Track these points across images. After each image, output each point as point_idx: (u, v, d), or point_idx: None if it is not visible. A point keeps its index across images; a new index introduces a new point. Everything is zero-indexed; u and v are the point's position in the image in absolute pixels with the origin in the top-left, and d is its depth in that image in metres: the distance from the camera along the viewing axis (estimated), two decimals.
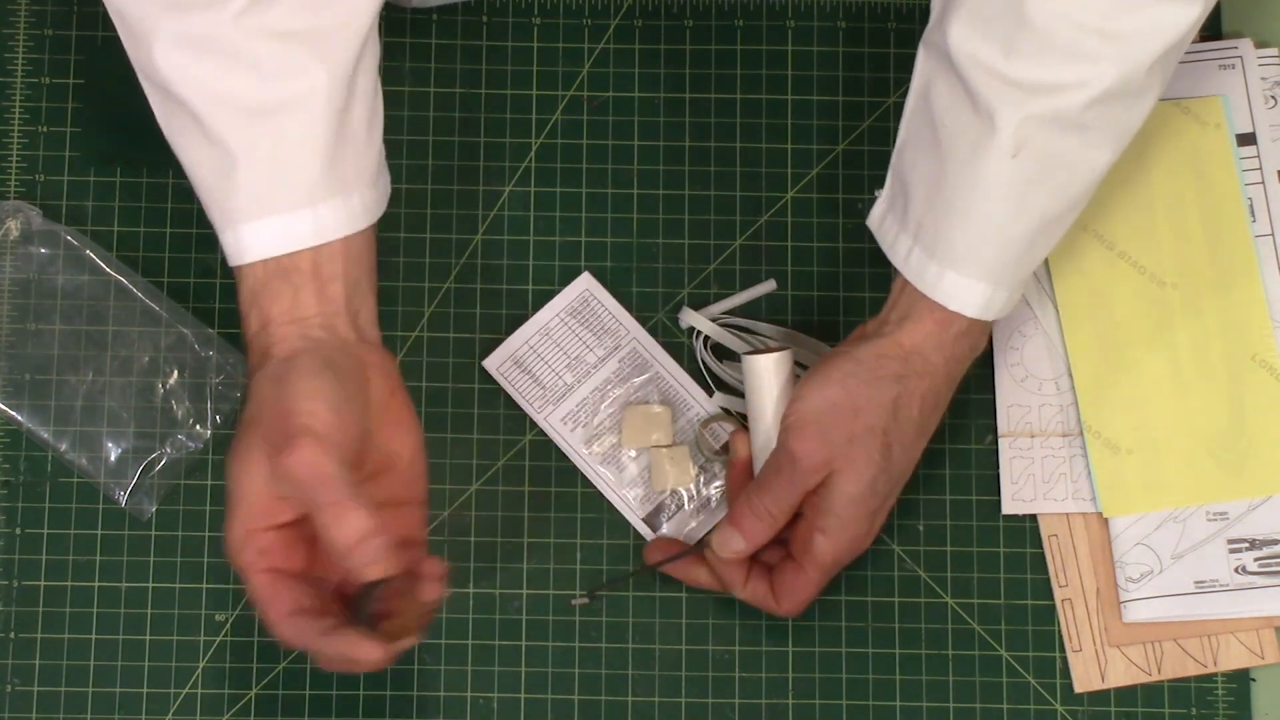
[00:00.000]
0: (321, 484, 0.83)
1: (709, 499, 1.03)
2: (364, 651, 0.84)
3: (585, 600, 1.02)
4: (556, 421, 1.03)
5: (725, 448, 1.03)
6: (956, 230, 0.90)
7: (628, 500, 1.03)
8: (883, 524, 0.96)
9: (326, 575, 0.88)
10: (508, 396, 1.04)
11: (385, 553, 0.83)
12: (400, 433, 0.89)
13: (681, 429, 1.04)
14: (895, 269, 0.94)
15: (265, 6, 0.85)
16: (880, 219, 0.95)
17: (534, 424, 1.04)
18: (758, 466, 0.97)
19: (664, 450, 1.03)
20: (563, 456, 1.04)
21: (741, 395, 1.03)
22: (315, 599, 0.86)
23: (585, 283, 1.05)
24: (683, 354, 1.05)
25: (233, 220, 0.87)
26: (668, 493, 1.03)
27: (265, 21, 0.85)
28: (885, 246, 0.94)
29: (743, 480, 0.99)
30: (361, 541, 0.83)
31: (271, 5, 0.85)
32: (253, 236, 0.87)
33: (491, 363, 1.04)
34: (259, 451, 0.84)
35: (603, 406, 1.04)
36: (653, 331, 1.05)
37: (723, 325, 1.04)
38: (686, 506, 1.03)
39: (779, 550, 0.97)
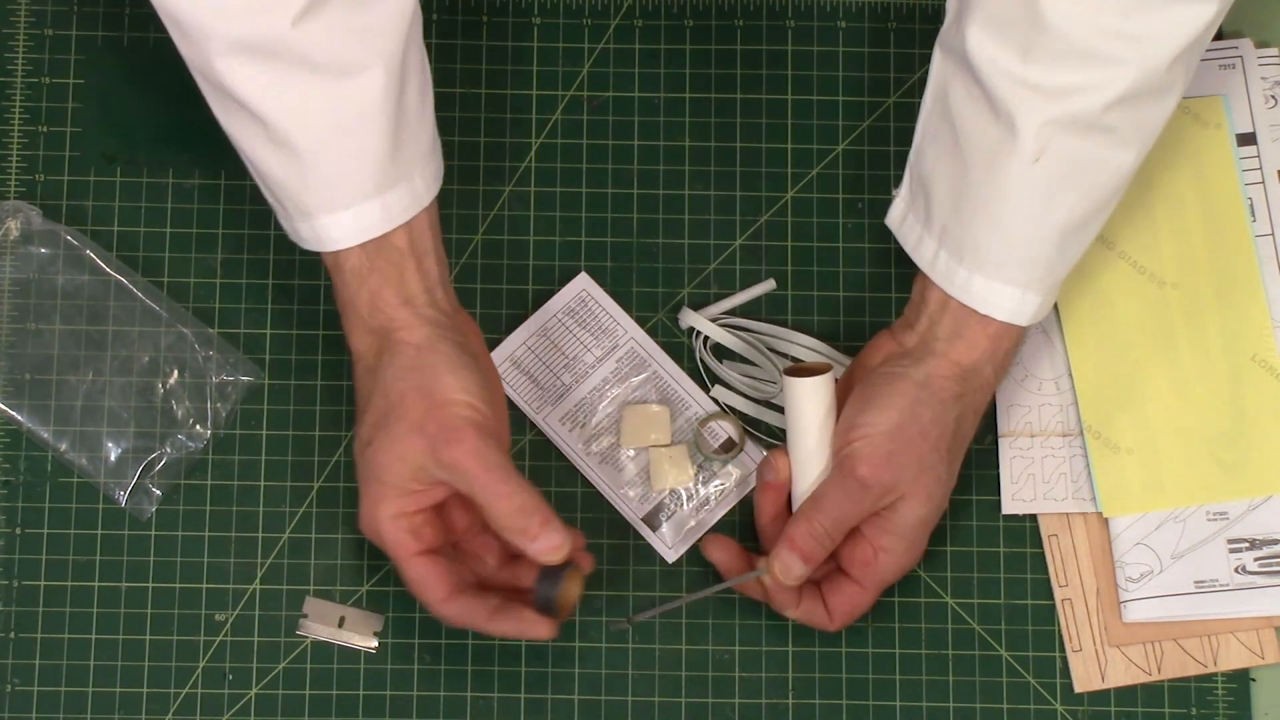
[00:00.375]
0: (488, 473, 0.88)
1: (708, 498, 1.03)
2: (541, 630, 0.91)
3: (625, 625, 1.01)
4: (555, 422, 1.03)
5: (725, 446, 1.03)
6: (983, 235, 0.90)
7: (627, 500, 1.03)
8: (930, 535, 0.96)
9: (472, 551, 0.94)
10: (507, 397, 1.04)
11: (565, 539, 0.89)
12: (500, 396, 0.94)
13: (680, 428, 1.04)
14: (917, 271, 0.94)
15: (320, 7, 0.85)
16: (901, 219, 0.95)
17: (533, 424, 1.04)
18: (798, 488, 0.96)
19: (663, 450, 1.03)
20: (562, 457, 1.04)
21: (741, 394, 1.03)
22: (472, 577, 0.92)
23: (582, 283, 1.05)
24: (682, 354, 1.05)
25: (307, 213, 0.89)
26: (666, 492, 1.03)
27: (322, 22, 0.86)
28: (908, 247, 0.94)
29: (777, 500, 0.97)
30: (542, 530, 0.89)
31: (326, 5, 0.85)
32: (336, 227, 0.89)
33: None
34: (410, 441, 0.88)
35: (601, 406, 1.04)
36: (652, 332, 1.05)
37: (722, 325, 1.04)
38: (685, 506, 1.03)
39: (825, 565, 0.97)
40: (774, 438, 1.04)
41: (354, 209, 0.89)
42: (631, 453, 1.03)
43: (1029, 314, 0.92)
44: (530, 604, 0.92)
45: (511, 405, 1.03)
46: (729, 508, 1.03)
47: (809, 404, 0.95)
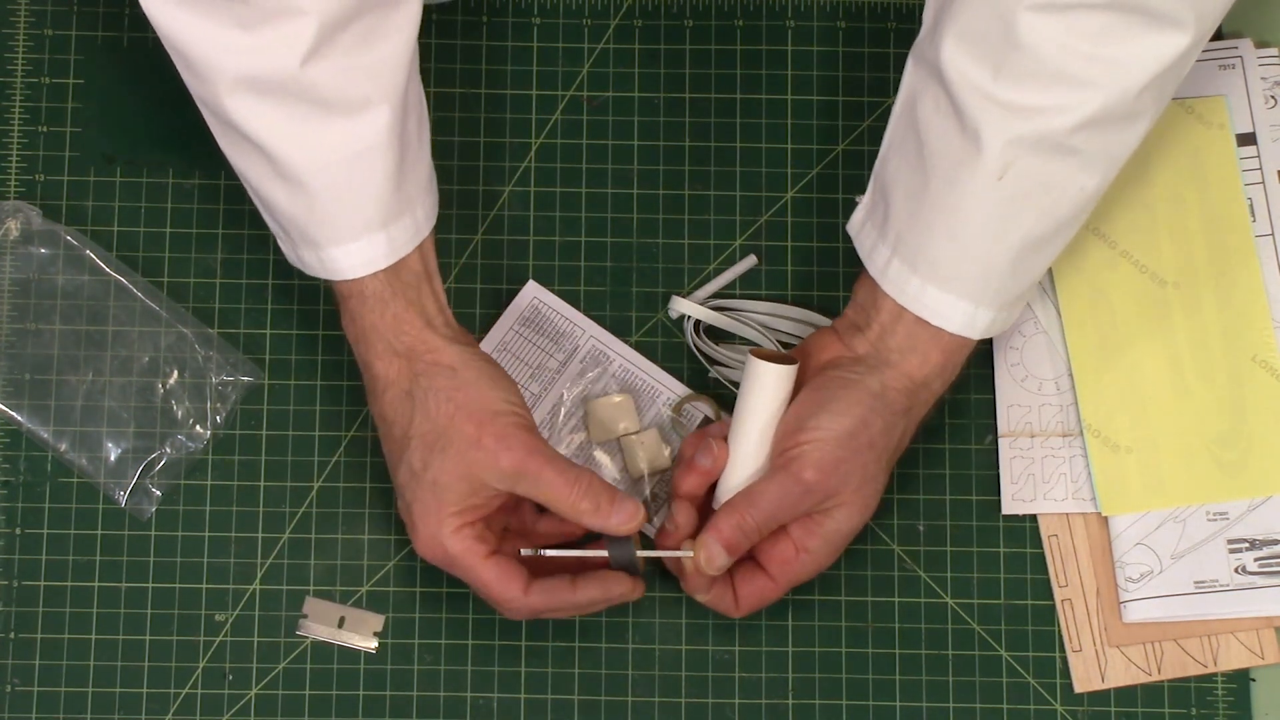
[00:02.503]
0: (549, 468, 0.91)
1: None
2: (627, 587, 0.95)
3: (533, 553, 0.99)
4: None
5: (701, 426, 1.03)
6: (939, 248, 0.90)
7: None
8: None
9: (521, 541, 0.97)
10: None
11: (638, 507, 0.93)
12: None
13: (656, 415, 1.04)
14: (863, 272, 0.94)
15: (329, 48, 0.86)
16: (860, 225, 0.95)
17: None
18: (730, 478, 0.96)
19: (634, 436, 1.03)
20: None
21: (738, 371, 1.03)
22: (533, 567, 0.94)
23: (532, 291, 1.05)
24: (666, 348, 1.05)
25: (314, 244, 0.91)
26: (653, 480, 1.03)
27: (330, 61, 0.87)
28: (863, 253, 0.94)
29: (700, 484, 0.97)
30: (614, 506, 0.92)
31: (333, 45, 0.86)
32: (344, 258, 0.91)
33: None
34: (470, 458, 0.91)
35: (569, 408, 1.04)
36: (652, 332, 1.05)
37: (713, 308, 1.04)
38: (667, 485, 1.03)
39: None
40: None
41: (362, 240, 0.90)
42: (609, 448, 1.03)
43: (980, 328, 0.92)
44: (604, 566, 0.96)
45: None
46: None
47: (768, 392, 0.95)
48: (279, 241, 0.94)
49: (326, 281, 0.93)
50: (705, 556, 0.94)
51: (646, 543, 1.00)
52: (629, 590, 0.96)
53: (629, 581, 0.96)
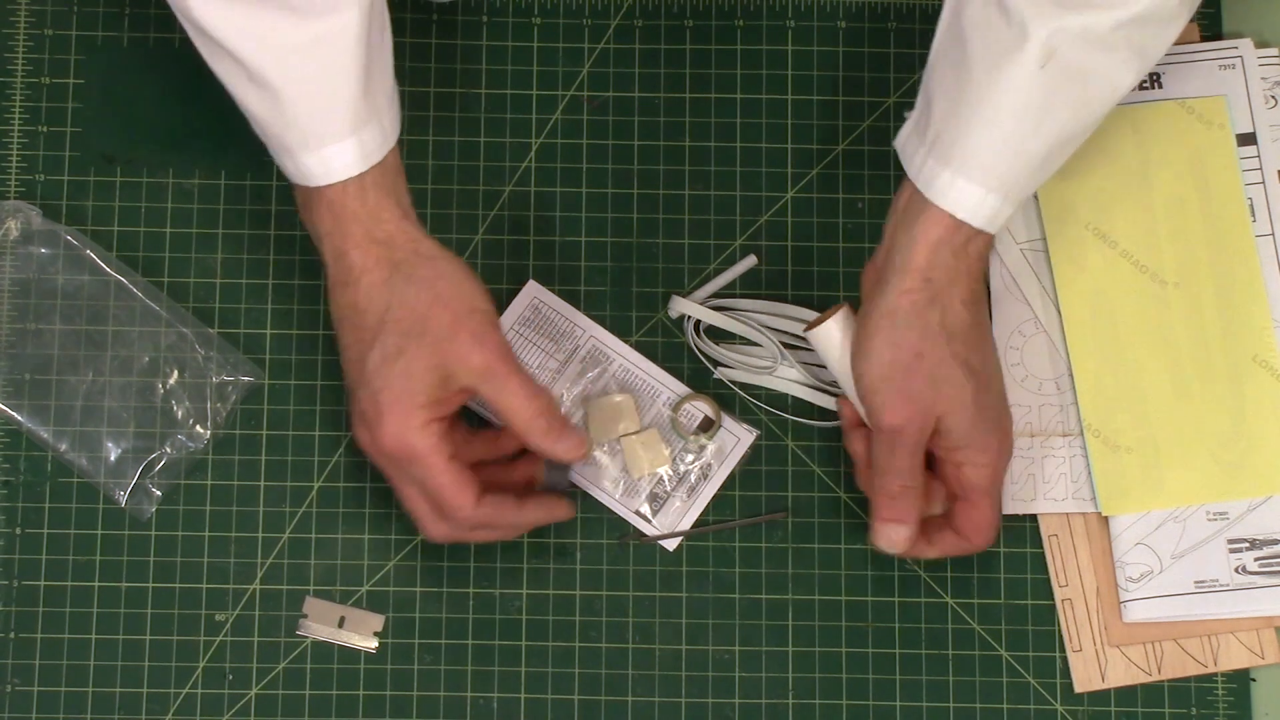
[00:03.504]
0: (515, 376, 0.92)
1: (690, 477, 1.03)
2: (564, 511, 0.98)
3: (632, 540, 1.01)
4: None
5: (703, 426, 1.03)
6: (975, 138, 0.90)
7: (616, 497, 1.03)
8: (1011, 424, 0.96)
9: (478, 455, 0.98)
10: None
11: (585, 438, 0.95)
12: None
13: (656, 415, 1.04)
14: (892, 203, 0.94)
15: None
16: (905, 139, 0.94)
17: None
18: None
19: (634, 437, 1.03)
20: None
21: (741, 371, 1.03)
22: (489, 476, 0.95)
23: (532, 291, 1.05)
24: (675, 348, 1.05)
25: (288, 150, 0.91)
26: (651, 481, 1.03)
27: None
28: (906, 164, 0.93)
29: (866, 437, 0.98)
30: (564, 430, 0.94)
31: None
32: (317, 164, 0.91)
33: None
34: (443, 348, 0.91)
35: (569, 407, 1.04)
36: (652, 332, 1.05)
37: (714, 308, 1.04)
38: (672, 493, 1.03)
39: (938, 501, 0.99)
40: (775, 407, 1.03)
41: (333, 146, 0.90)
42: (609, 447, 1.03)
43: (1000, 221, 0.91)
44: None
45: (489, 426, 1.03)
46: (719, 483, 1.03)
47: (836, 348, 0.96)
48: (277, 160, 0.94)
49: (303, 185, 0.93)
50: (885, 541, 0.96)
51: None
52: (567, 513, 0.99)
53: (567, 505, 0.98)
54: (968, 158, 0.90)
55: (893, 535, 0.95)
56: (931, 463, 0.97)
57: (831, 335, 0.97)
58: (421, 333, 0.91)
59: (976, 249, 0.92)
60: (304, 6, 0.88)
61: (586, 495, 1.03)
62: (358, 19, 0.89)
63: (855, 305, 0.97)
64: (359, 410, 0.93)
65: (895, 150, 0.95)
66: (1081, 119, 0.90)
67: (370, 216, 0.92)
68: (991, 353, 0.95)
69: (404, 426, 0.91)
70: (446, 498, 0.93)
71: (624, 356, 1.04)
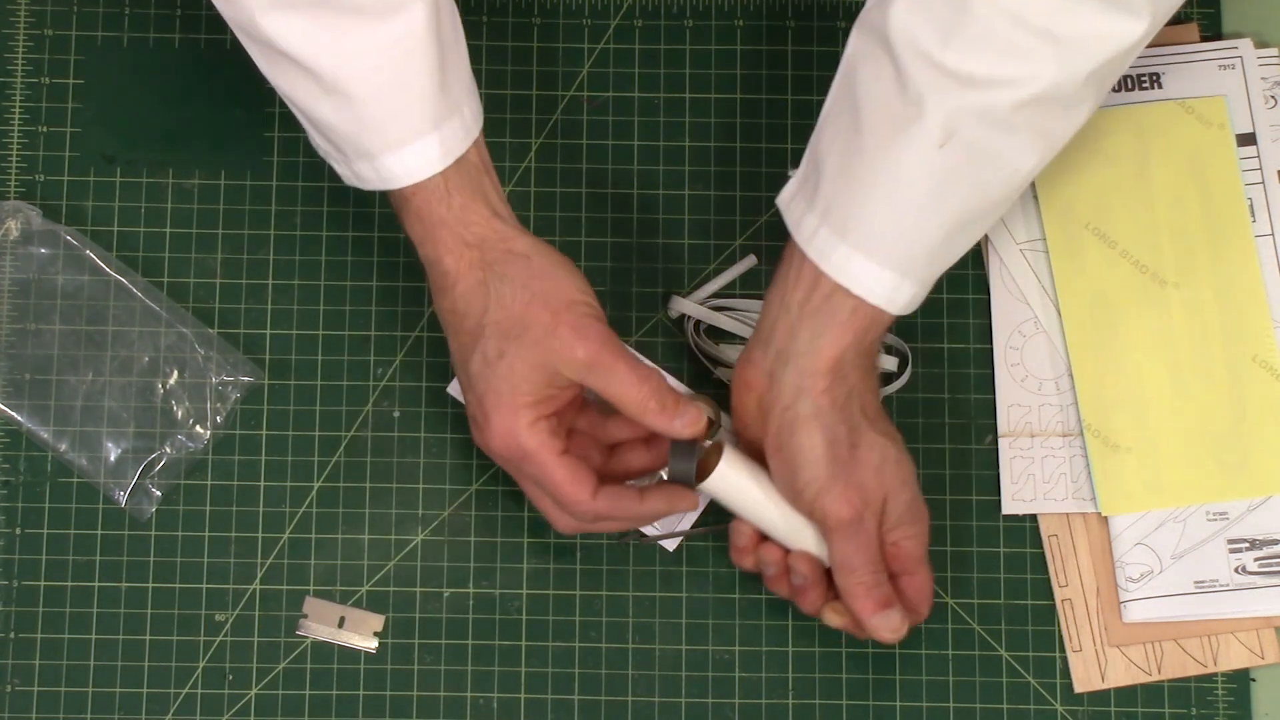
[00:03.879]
0: (622, 361, 0.91)
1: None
2: (688, 502, 0.96)
3: (634, 541, 1.01)
4: None
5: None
6: (871, 213, 0.88)
7: None
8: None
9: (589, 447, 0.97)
10: None
11: (703, 411, 0.93)
12: None
13: None
14: (778, 276, 0.93)
15: None
16: (790, 198, 0.93)
17: None
18: (791, 541, 0.96)
19: None
20: None
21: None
22: (615, 466, 0.97)
23: None
24: (666, 348, 1.05)
25: (368, 154, 0.90)
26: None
27: None
28: (791, 225, 0.92)
29: (773, 547, 0.97)
30: (680, 406, 0.92)
31: None
32: (398, 164, 0.90)
33: (456, 389, 1.04)
34: (547, 346, 0.90)
35: None
36: (652, 332, 1.05)
37: (713, 308, 1.04)
38: None
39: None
40: None
41: (415, 144, 0.89)
42: None
43: (901, 303, 0.90)
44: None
45: None
46: None
47: (740, 485, 0.95)
48: (332, 164, 0.93)
49: (385, 191, 0.92)
50: (887, 629, 0.94)
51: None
52: (690, 504, 0.96)
53: (691, 496, 0.96)
54: (864, 232, 0.89)
55: (891, 621, 0.94)
56: None
57: (728, 477, 0.95)
58: (520, 333, 0.91)
59: (875, 335, 0.92)
60: (371, 8, 0.87)
61: None
62: (425, 14, 0.87)
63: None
64: (470, 414, 0.94)
65: (779, 206, 0.94)
66: (981, 200, 0.89)
67: (458, 220, 0.91)
68: (889, 427, 0.95)
69: (511, 427, 0.91)
70: (563, 493, 0.92)
71: None
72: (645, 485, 0.95)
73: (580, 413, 0.97)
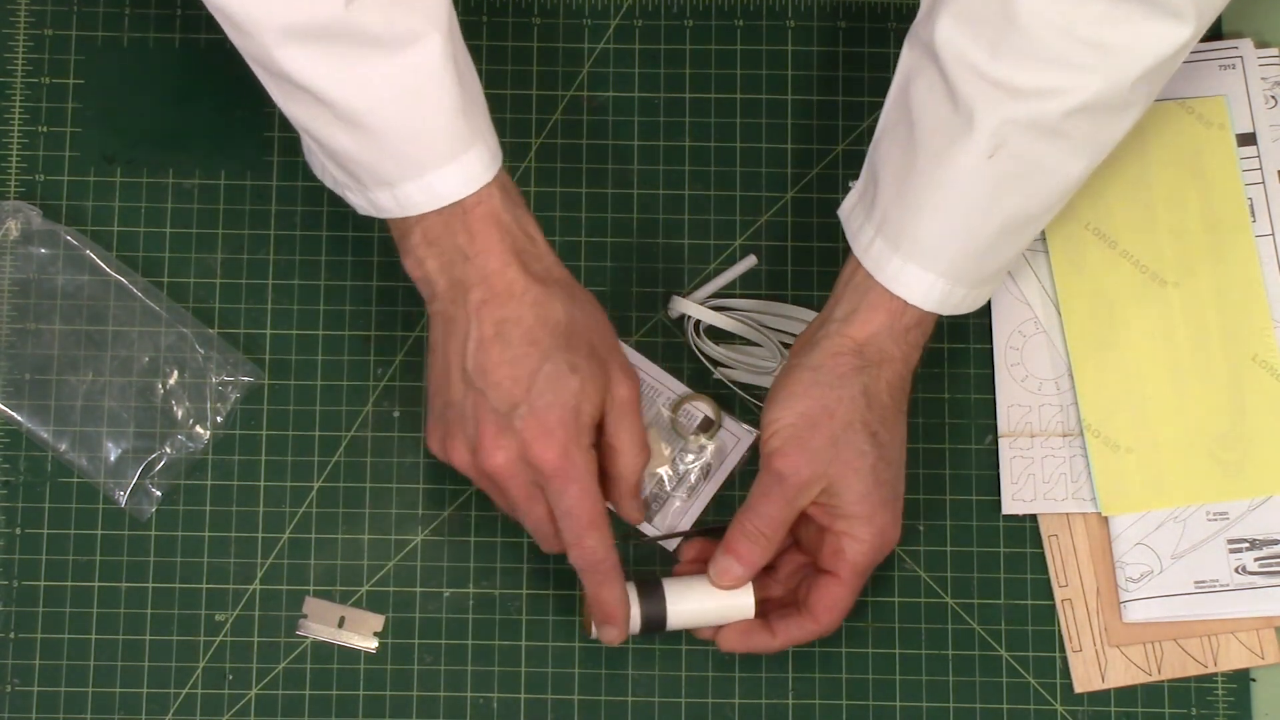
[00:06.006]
0: (640, 418, 0.93)
1: (689, 477, 1.03)
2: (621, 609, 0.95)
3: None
4: None
5: (703, 426, 1.03)
6: (923, 224, 0.90)
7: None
8: (901, 512, 0.95)
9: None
10: None
11: (643, 513, 0.96)
12: None
13: (656, 415, 1.03)
14: (844, 264, 0.94)
15: None
16: (850, 210, 0.95)
17: None
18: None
19: None
20: None
21: (741, 371, 1.03)
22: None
23: None
24: (666, 347, 1.05)
25: (387, 182, 0.89)
26: (653, 480, 1.03)
27: None
28: (850, 236, 0.94)
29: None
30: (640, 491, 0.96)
31: None
32: (419, 192, 0.89)
33: None
34: (605, 377, 0.92)
35: None
36: (652, 332, 1.05)
37: (714, 308, 1.04)
38: (672, 493, 1.03)
39: (795, 575, 0.98)
40: None
41: (437, 171, 0.89)
42: None
43: (953, 304, 0.92)
44: None
45: None
46: (719, 483, 1.03)
47: (691, 619, 0.97)
48: (345, 193, 0.92)
49: (390, 219, 0.91)
50: (717, 569, 0.95)
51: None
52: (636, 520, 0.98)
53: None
54: (917, 243, 0.90)
55: (731, 570, 0.95)
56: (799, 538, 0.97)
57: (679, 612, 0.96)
58: (590, 354, 0.91)
59: (917, 336, 0.93)
60: (387, 39, 0.86)
61: None
62: (440, 43, 0.87)
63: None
64: (510, 427, 0.90)
65: (840, 218, 0.95)
66: (1031, 206, 0.90)
67: (519, 232, 0.91)
68: (902, 436, 0.95)
69: (572, 444, 0.90)
70: (583, 522, 0.91)
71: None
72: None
73: None
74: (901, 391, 0.94)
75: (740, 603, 0.95)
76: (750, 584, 0.96)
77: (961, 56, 0.87)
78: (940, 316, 0.93)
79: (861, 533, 0.93)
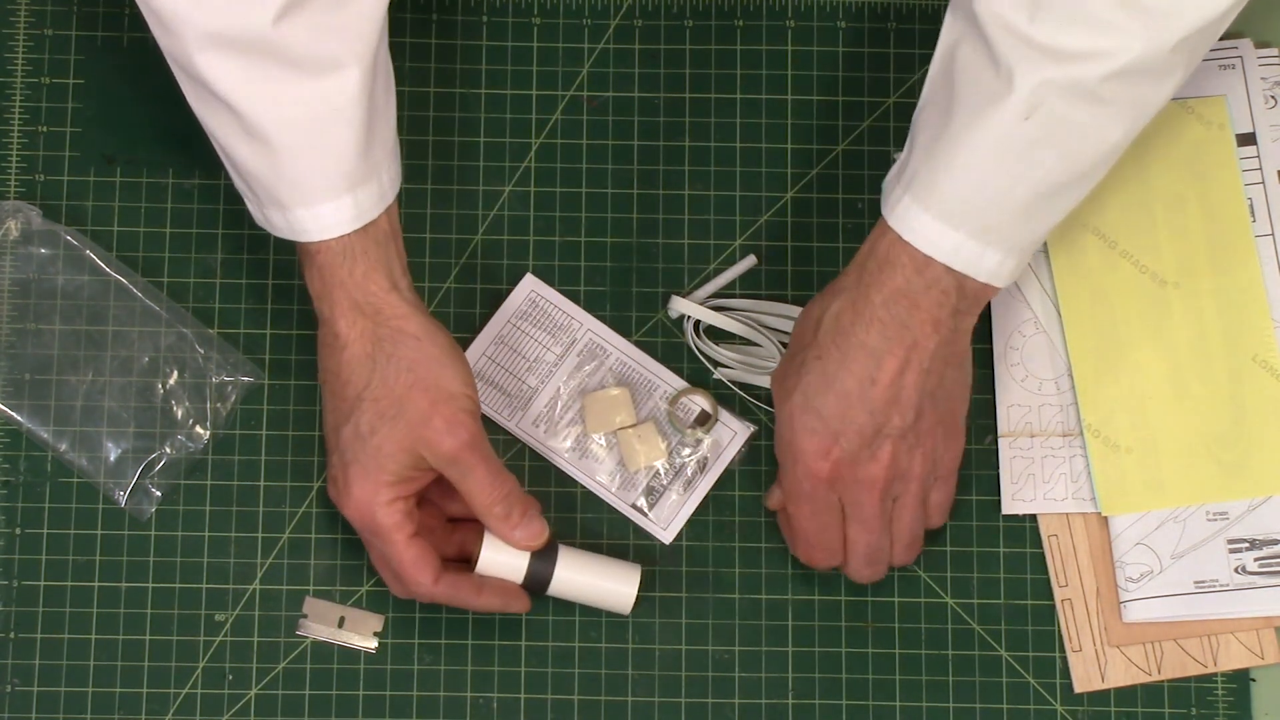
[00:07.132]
0: (484, 464, 0.94)
1: (686, 470, 1.03)
2: (520, 605, 0.98)
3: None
4: (529, 426, 1.03)
5: (699, 419, 1.03)
6: (953, 180, 0.88)
7: (612, 490, 1.03)
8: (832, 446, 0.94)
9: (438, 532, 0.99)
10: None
11: (545, 527, 0.97)
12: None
13: (653, 408, 1.04)
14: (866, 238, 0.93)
15: (301, 7, 0.86)
16: (891, 180, 0.93)
17: (506, 432, 1.04)
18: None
19: (630, 430, 1.03)
20: (538, 458, 1.03)
21: (740, 371, 1.03)
22: (453, 557, 0.99)
23: (530, 284, 1.05)
24: (666, 348, 1.05)
25: (281, 204, 0.91)
26: (647, 473, 1.03)
27: (303, 20, 0.87)
28: (884, 202, 0.92)
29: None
30: (523, 519, 0.96)
31: (306, 4, 0.87)
32: (310, 220, 0.91)
33: None
34: (417, 433, 0.93)
35: (566, 400, 1.04)
36: (652, 332, 1.05)
37: (713, 308, 1.04)
38: (669, 485, 1.03)
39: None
40: (768, 403, 1.03)
41: (329, 204, 0.90)
42: (602, 440, 1.03)
43: (988, 270, 0.90)
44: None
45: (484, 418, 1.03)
46: (714, 477, 1.03)
47: (575, 590, 1.00)
48: (246, 202, 0.94)
49: (292, 240, 0.93)
50: (869, 575, 0.99)
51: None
52: (522, 607, 0.99)
53: (524, 599, 0.98)
54: (945, 201, 0.89)
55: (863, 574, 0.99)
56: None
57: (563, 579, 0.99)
58: (396, 415, 0.93)
59: (944, 298, 0.90)
60: (307, 63, 0.88)
61: (584, 490, 1.03)
62: (359, 77, 0.88)
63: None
64: (330, 473, 0.96)
65: (882, 190, 0.93)
66: (1069, 170, 0.89)
67: (358, 286, 0.92)
68: (861, 370, 0.92)
69: (371, 501, 0.94)
70: (406, 574, 0.95)
71: (621, 350, 1.04)
72: (483, 578, 0.98)
73: (434, 483, 0.97)
74: (871, 321, 0.91)
75: (623, 590, 0.99)
76: (638, 577, 0.99)
77: (1001, 19, 0.86)
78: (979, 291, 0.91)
79: (782, 456, 0.96)
